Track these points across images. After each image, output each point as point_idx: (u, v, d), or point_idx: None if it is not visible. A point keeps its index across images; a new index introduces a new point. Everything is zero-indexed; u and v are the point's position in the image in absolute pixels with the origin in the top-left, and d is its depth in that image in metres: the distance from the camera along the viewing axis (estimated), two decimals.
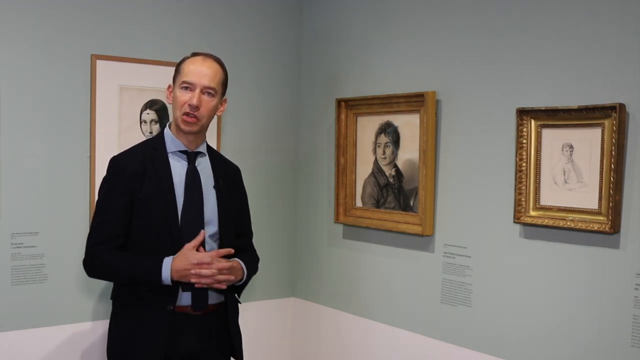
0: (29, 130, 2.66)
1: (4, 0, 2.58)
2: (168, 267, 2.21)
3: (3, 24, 2.59)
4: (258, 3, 3.23)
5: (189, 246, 2.24)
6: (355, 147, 3.05)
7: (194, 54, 2.34)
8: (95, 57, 2.77)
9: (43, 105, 2.68)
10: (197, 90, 2.27)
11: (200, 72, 2.28)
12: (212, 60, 2.33)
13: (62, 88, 2.72)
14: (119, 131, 2.84)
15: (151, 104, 2.92)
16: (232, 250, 2.32)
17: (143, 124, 2.91)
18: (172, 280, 2.22)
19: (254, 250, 2.58)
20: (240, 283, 2.40)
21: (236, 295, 2.46)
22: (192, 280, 2.22)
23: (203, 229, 2.31)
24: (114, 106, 2.83)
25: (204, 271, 2.21)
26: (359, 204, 3.05)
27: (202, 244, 2.29)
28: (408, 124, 2.81)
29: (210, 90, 2.29)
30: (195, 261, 2.21)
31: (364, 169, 3.02)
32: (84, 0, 2.75)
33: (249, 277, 2.43)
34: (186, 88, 2.28)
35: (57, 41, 2.70)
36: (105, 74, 2.79)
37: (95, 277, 2.35)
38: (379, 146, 2.94)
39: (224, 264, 2.26)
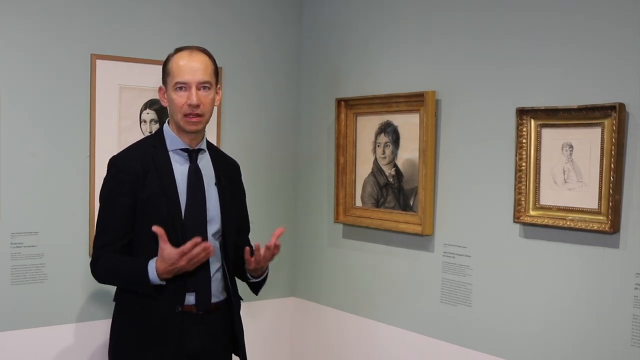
0: (29, 130, 2.66)
1: (3, 0, 2.59)
2: (153, 269, 2.15)
3: (3, 23, 2.59)
4: (258, 3, 3.23)
5: (163, 246, 2.13)
6: (355, 146, 3.04)
7: (178, 50, 2.27)
8: (95, 57, 2.77)
9: (43, 105, 2.68)
10: (193, 89, 2.21)
11: (191, 68, 2.21)
12: (198, 53, 2.26)
13: (62, 88, 2.72)
14: (118, 131, 2.84)
15: (151, 104, 2.92)
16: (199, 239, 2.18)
17: (143, 123, 2.91)
18: (165, 280, 2.16)
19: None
20: (261, 279, 2.43)
21: (254, 291, 2.49)
22: (186, 266, 2.13)
23: (206, 227, 2.29)
24: (113, 106, 2.83)
25: (195, 251, 2.11)
26: (358, 203, 3.05)
27: (206, 238, 2.25)
28: (408, 124, 2.81)
29: (206, 84, 2.24)
30: (179, 251, 2.10)
31: (363, 169, 3.02)
32: (83, 0, 2.75)
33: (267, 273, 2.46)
34: (181, 88, 2.22)
35: (57, 41, 2.70)
36: (105, 73, 2.79)
37: (103, 283, 2.32)
38: (378, 146, 2.94)
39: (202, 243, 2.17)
